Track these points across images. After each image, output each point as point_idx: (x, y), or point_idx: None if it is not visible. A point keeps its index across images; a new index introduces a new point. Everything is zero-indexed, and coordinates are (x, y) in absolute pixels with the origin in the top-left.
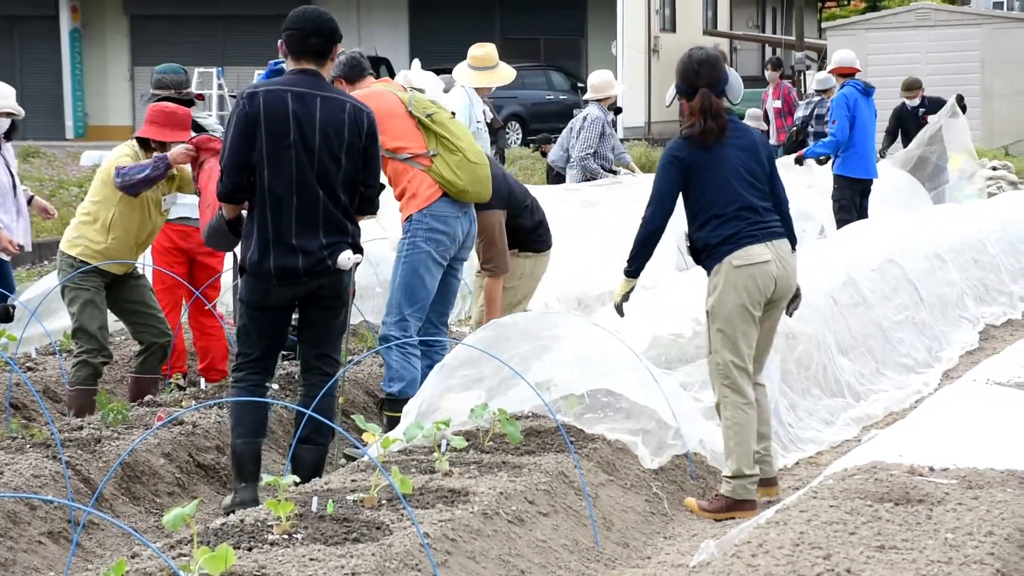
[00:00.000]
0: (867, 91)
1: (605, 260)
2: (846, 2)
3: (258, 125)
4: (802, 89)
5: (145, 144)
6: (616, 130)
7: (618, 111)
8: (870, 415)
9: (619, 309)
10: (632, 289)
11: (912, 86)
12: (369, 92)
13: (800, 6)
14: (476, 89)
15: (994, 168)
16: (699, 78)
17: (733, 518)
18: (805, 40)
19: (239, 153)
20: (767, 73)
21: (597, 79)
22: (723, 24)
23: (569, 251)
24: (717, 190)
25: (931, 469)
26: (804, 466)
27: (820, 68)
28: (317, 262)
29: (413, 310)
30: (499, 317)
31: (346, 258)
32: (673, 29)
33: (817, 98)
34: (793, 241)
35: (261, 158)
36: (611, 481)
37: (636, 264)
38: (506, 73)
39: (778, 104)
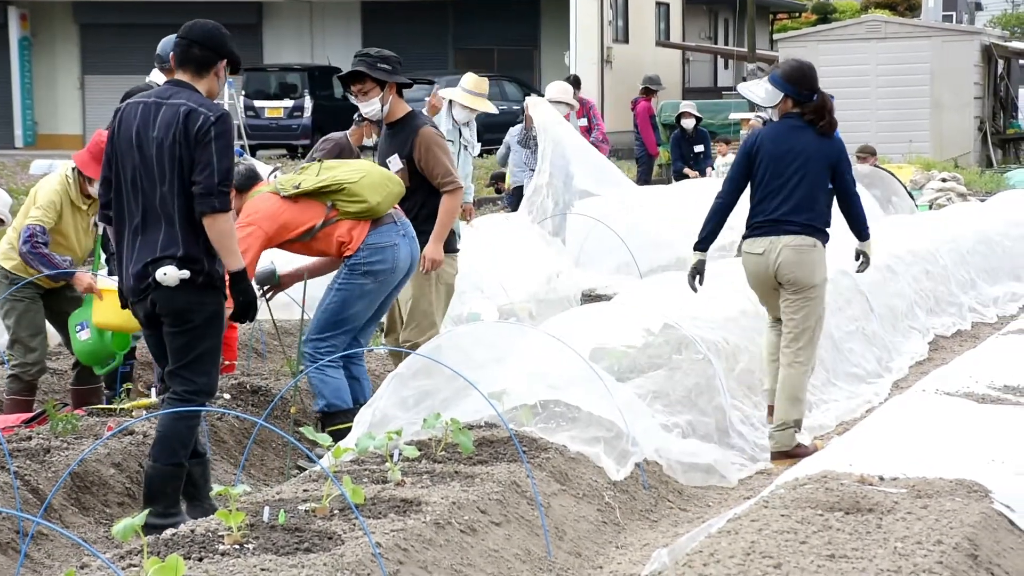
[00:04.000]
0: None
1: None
2: (798, 14)
3: (112, 140)
4: None
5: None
6: None
7: None
8: (822, 425)
9: (691, 285)
10: (699, 263)
11: (866, 151)
12: (248, 206)
13: (752, 18)
14: (458, 112)
15: (943, 180)
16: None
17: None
18: (757, 52)
19: (103, 168)
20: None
21: (557, 89)
22: (676, 36)
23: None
24: None
25: (881, 478)
26: (756, 476)
27: None
28: (141, 279)
29: (335, 334)
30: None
31: (162, 274)
32: (626, 40)
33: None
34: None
35: (112, 173)
36: (563, 491)
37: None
38: (489, 107)
39: (583, 123)
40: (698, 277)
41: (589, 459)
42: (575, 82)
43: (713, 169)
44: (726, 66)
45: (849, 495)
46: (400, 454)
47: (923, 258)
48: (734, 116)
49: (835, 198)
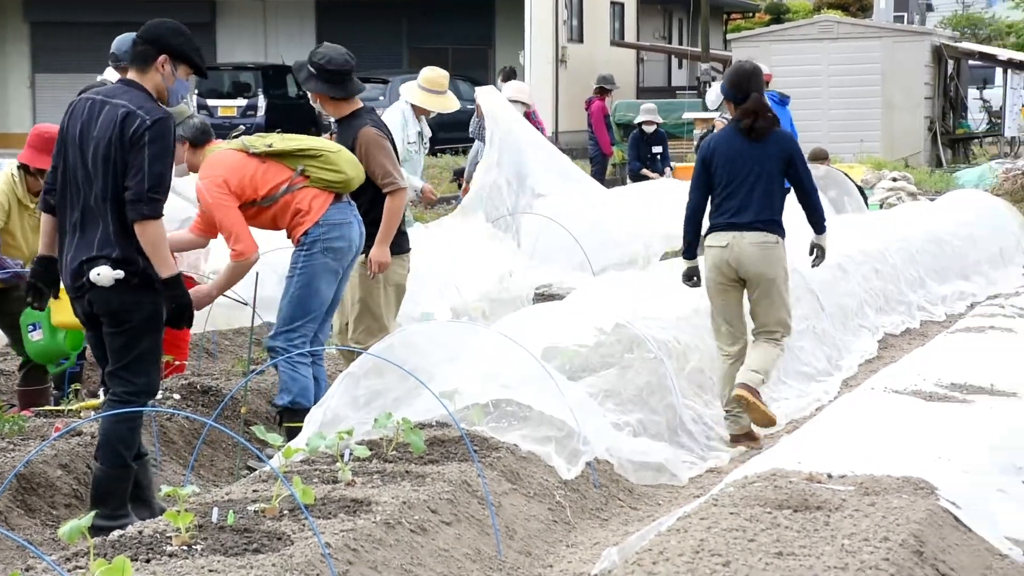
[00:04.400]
0: (782, 100)
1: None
2: (751, 14)
3: (62, 132)
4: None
5: (29, 167)
6: None
7: None
8: None
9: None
10: (690, 270)
11: (818, 156)
12: (208, 161)
13: (706, 18)
14: (415, 109)
15: (894, 179)
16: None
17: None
18: (711, 52)
19: (53, 157)
20: (499, 83)
21: (514, 87)
22: (630, 35)
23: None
24: None
25: (829, 476)
26: (707, 474)
27: None
28: (76, 277)
29: (305, 321)
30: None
31: (96, 274)
32: (581, 40)
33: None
34: None
35: (60, 163)
36: (514, 490)
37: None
38: (452, 101)
39: None
40: (694, 278)
41: (540, 458)
42: (510, 74)
43: (671, 169)
44: (680, 66)
45: (798, 493)
46: (351, 454)
47: (873, 257)
48: (688, 116)
49: (793, 192)
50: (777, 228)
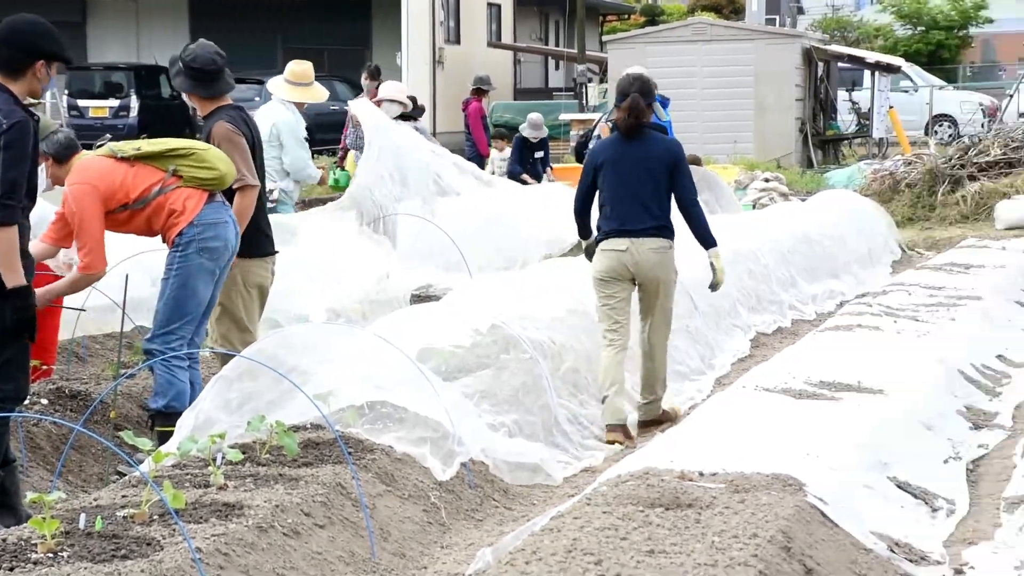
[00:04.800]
0: (663, 101)
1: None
2: (627, 16)
3: None
4: (583, 101)
5: None
6: None
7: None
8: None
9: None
10: (588, 246)
11: (692, 162)
12: (76, 167)
13: (582, 20)
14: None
15: (766, 180)
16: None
17: None
18: (587, 53)
19: None
20: (364, 82)
21: (391, 88)
22: (507, 36)
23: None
24: None
25: (701, 474)
26: (581, 474)
27: (602, 81)
28: None
29: (182, 323)
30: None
31: None
32: (458, 41)
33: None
34: None
35: None
36: (389, 491)
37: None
38: (320, 92)
39: None
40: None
41: (415, 460)
42: (375, 72)
43: (550, 169)
44: (557, 67)
45: (670, 491)
46: (223, 457)
47: (746, 257)
48: (564, 117)
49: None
50: (669, 232)
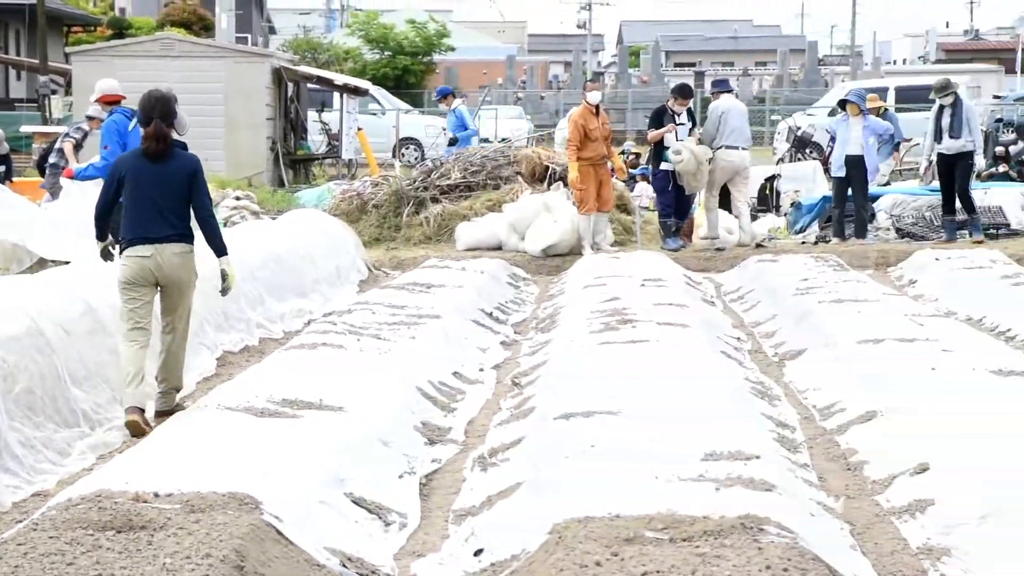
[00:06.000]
0: (134, 115)
1: None
2: (93, 28)
3: None
4: (47, 113)
5: None
6: None
7: None
8: (107, 443)
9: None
10: (104, 248)
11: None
12: None
13: (43, 29)
14: None
15: (238, 198)
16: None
17: None
18: (51, 64)
19: None
20: None
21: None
22: None
23: None
24: None
25: (157, 495)
26: (32, 498)
27: (67, 93)
28: None
29: None
30: None
31: None
32: None
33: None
34: None
35: None
36: None
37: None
38: None
39: None
40: (111, 256)
41: None
42: None
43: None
44: (19, 77)
45: (123, 513)
46: None
47: (214, 275)
48: (25, 129)
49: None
50: (190, 238)
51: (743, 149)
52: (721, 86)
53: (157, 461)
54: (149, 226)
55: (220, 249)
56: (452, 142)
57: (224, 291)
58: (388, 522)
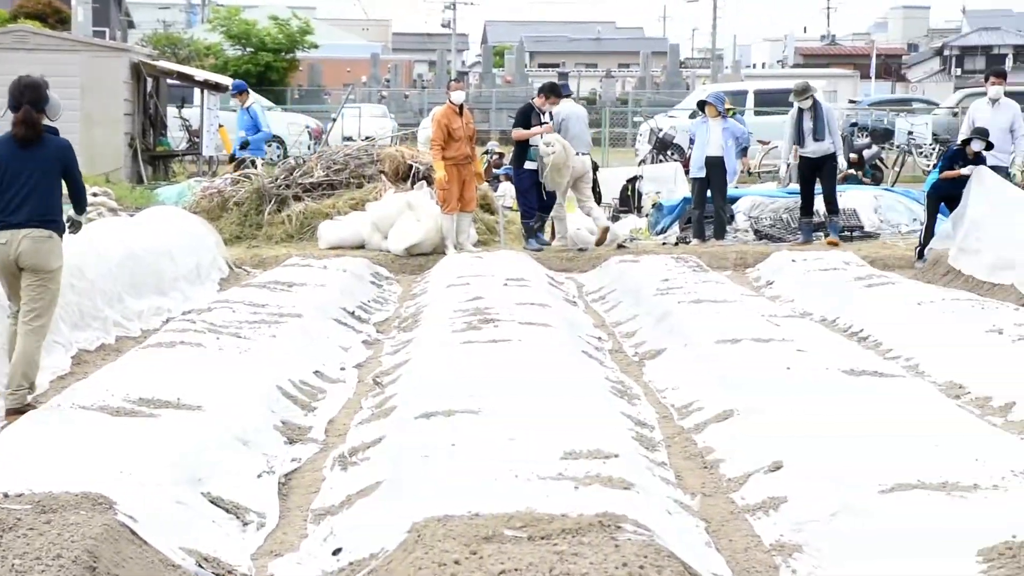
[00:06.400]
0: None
1: None
2: None
3: None
4: None
5: None
6: None
7: None
8: None
9: None
10: None
11: None
12: None
13: None
14: None
15: (95, 194)
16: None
17: None
18: None
19: None
20: None
21: None
22: None
23: None
24: None
25: (6, 495)
26: None
27: None
28: None
29: None
30: None
31: None
32: None
33: None
34: None
35: None
36: None
37: None
38: None
39: None
40: None
41: None
42: None
43: None
44: None
45: None
46: None
47: (70, 272)
48: None
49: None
50: (52, 224)
51: (583, 154)
52: (561, 91)
53: (7, 461)
54: (12, 213)
55: (80, 208)
56: (244, 145)
57: (71, 232)
58: (246, 522)
